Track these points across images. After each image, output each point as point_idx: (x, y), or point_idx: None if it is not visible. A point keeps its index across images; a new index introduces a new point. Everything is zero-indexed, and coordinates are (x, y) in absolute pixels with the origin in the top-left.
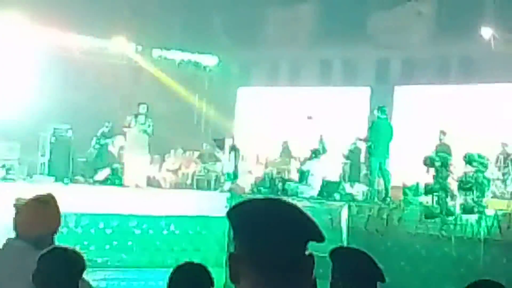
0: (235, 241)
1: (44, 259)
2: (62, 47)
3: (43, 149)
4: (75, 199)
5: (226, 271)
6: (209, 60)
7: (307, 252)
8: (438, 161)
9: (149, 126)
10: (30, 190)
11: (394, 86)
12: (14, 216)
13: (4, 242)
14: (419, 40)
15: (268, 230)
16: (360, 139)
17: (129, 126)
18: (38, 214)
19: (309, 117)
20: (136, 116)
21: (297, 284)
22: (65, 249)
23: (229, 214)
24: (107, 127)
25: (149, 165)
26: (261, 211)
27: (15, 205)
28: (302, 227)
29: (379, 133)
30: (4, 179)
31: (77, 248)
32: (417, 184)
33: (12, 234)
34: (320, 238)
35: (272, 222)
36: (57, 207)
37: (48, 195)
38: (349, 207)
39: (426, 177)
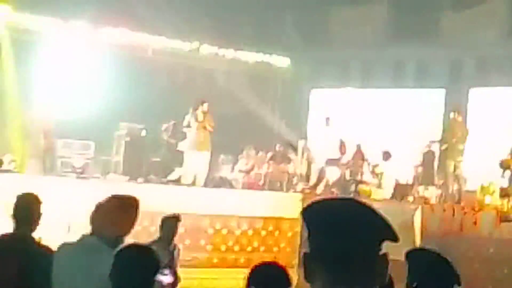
0: (309, 240)
1: (121, 256)
2: (135, 47)
3: (117, 148)
4: (148, 198)
5: (298, 272)
6: (281, 61)
7: (381, 252)
8: None
9: (208, 123)
10: (104, 188)
11: (469, 88)
12: (93, 212)
13: (79, 237)
14: (493, 41)
15: (342, 229)
16: (435, 141)
17: (188, 125)
18: (120, 216)
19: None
20: (194, 113)
21: (371, 284)
22: (141, 247)
23: (303, 213)
24: (174, 126)
25: (213, 164)
26: (335, 210)
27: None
28: (376, 227)
29: (454, 135)
30: (79, 177)
31: (153, 247)
32: (492, 187)
33: (85, 232)
34: (394, 238)
35: (346, 221)
36: (138, 210)
37: (133, 198)
38: (423, 209)
39: (502, 180)
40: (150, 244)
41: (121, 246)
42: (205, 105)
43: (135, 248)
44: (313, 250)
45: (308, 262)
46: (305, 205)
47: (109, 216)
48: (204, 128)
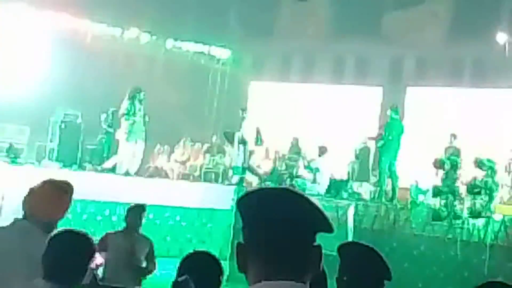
0: (244, 231)
1: (55, 241)
2: (74, 31)
3: (53, 134)
4: (82, 186)
5: (230, 264)
6: (222, 52)
7: (315, 243)
8: (448, 164)
9: (144, 113)
10: (38, 174)
11: (407, 87)
12: (25, 196)
13: (11, 221)
14: (433, 41)
15: (277, 219)
16: (370, 138)
17: (125, 114)
18: (54, 200)
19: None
20: (132, 102)
21: (305, 274)
22: (76, 233)
23: (238, 202)
24: (113, 114)
25: (149, 153)
26: (270, 200)
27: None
28: (311, 218)
29: (390, 133)
30: (13, 162)
31: (87, 233)
32: (426, 186)
33: (19, 215)
34: (329, 229)
35: (281, 211)
36: (71, 196)
37: (66, 183)
38: (356, 206)
39: (435, 179)
40: (117, 233)
41: (55, 231)
42: (142, 94)
43: (69, 233)
44: (247, 240)
45: (242, 253)
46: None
47: (42, 201)
48: (140, 117)
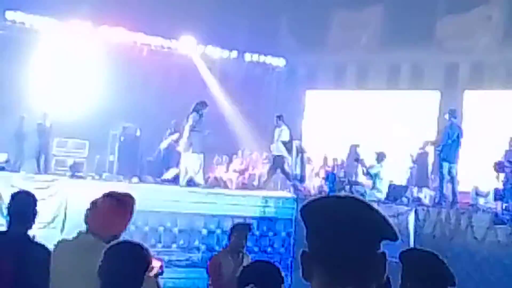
0: (308, 239)
1: (111, 252)
2: (130, 46)
3: (112, 148)
4: (142, 198)
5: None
6: (276, 62)
7: (379, 251)
8: (508, 167)
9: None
10: (99, 187)
11: (464, 90)
12: (87, 210)
13: (75, 235)
14: (487, 45)
15: (341, 227)
16: (429, 143)
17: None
18: (115, 214)
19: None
20: (199, 115)
21: (369, 282)
22: (131, 244)
23: (301, 211)
24: (172, 127)
25: (208, 164)
26: (334, 208)
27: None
28: (375, 225)
29: (449, 137)
30: (74, 176)
31: (143, 244)
32: (487, 189)
33: (80, 230)
34: (393, 237)
35: (345, 219)
36: (133, 208)
37: (127, 195)
38: (417, 211)
39: (496, 182)
40: (219, 253)
41: (111, 243)
42: (206, 108)
43: (124, 244)
44: (311, 248)
45: (306, 261)
46: (300, 205)
47: (104, 214)
48: (199, 130)
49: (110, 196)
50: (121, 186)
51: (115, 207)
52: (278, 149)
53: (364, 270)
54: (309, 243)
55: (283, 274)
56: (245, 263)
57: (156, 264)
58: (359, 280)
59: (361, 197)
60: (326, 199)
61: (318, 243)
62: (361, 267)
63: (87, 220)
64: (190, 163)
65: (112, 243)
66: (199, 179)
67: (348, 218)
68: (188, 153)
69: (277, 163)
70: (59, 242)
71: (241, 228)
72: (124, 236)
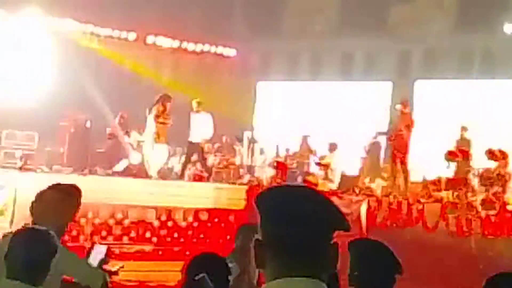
0: (261, 227)
1: (17, 239)
2: (81, 36)
3: (62, 139)
4: (93, 190)
5: None
6: (228, 52)
7: (332, 241)
8: (459, 156)
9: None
10: (49, 180)
11: (415, 80)
12: (32, 202)
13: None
14: (440, 33)
15: (294, 217)
16: (381, 133)
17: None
18: (60, 204)
19: None
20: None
21: (322, 272)
22: (38, 230)
23: (257, 199)
24: (121, 118)
25: (168, 156)
26: (288, 197)
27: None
28: (328, 215)
29: (400, 127)
30: (23, 168)
31: (49, 231)
32: (438, 179)
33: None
34: (346, 227)
35: (298, 209)
36: (79, 199)
37: (73, 186)
38: (369, 201)
39: (448, 172)
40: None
41: (19, 229)
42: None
43: (32, 231)
44: (265, 236)
45: (260, 249)
46: (251, 196)
47: (49, 206)
48: (163, 122)
49: (55, 187)
50: (71, 178)
51: (60, 198)
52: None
53: (316, 260)
54: (262, 232)
55: (230, 265)
56: (251, 267)
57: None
58: (311, 269)
59: (314, 188)
60: (280, 189)
61: (271, 232)
62: (314, 256)
63: (32, 212)
64: (157, 154)
65: (20, 229)
66: (156, 169)
67: (302, 208)
68: (153, 144)
69: (192, 150)
70: (4, 234)
71: (247, 230)
72: (74, 229)
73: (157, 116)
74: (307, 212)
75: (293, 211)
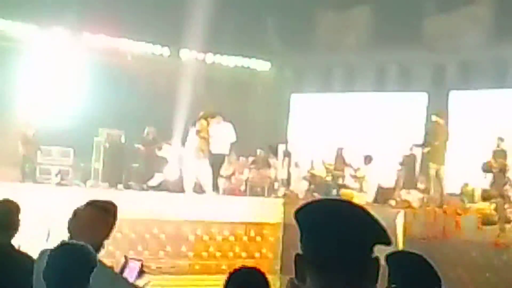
0: (302, 241)
1: (55, 255)
2: (115, 52)
3: (97, 155)
4: (128, 205)
5: (281, 278)
6: (262, 65)
7: (373, 255)
8: (496, 167)
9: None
10: (84, 195)
11: (450, 91)
12: (69, 219)
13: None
14: (475, 45)
15: (335, 231)
16: (417, 145)
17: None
18: (97, 221)
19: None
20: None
21: (363, 286)
22: (75, 245)
23: (296, 213)
24: (148, 133)
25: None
26: (329, 211)
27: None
28: (369, 230)
29: (436, 138)
30: (59, 184)
31: (87, 246)
32: (475, 190)
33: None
34: (387, 241)
35: (339, 223)
36: (116, 216)
37: (109, 202)
38: (405, 213)
39: (484, 183)
40: None
41: (56, 245)
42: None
43: (69, 246)
44: (305, 251)
45: (300, 264)
46: (287, 209)
47: (86, 222)
48: (203, 137)
49: (92, 204)
50: (106, 194)
51: (97, 215)
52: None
53: (357, 275)
54: (303, 246)
55: (269, 280)
56: None
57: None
58: (352, 284)
59: (354, 201)
60: (321, 202)
61: (312, 246)
62: (355, 271)
63: (69, 229)
64: (203, 169)
65: (57, 245)
66: (208, 184)
67: (343, 222)
68: (199, 159)
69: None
70: (42, 251)
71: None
72: (110, 244)
73: (199, 131)
74: (348, 227)
75: (334, 226)
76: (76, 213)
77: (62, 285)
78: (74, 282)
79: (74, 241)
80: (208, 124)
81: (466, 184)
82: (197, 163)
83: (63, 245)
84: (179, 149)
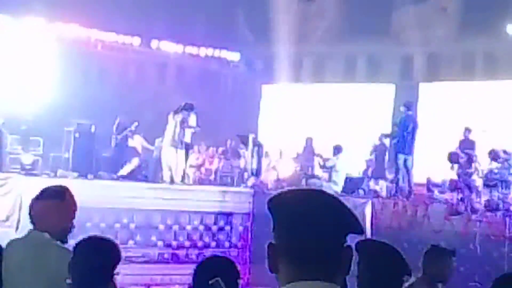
0: (275, 231)
1: (81, 247)
2: (84, 42)
3: (67, 145)
4: (99, 194)
5: (251, 268)
6: (232, 56)
7: (345, 244)
8: (463, 158)
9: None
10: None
11: (419, 83)
12: (28, 212)
13: (26, 233)
14: (443, 36)
15: (308, 220)
16: (385, 135)
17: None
18: (52, 208)
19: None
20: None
21: (336, 275)
22: (102, 238)
23: (269, 203)
24: (120, 122)
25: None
26: (302, 201)
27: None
28: (343, 219)
29: (404, 129)
30: (29, 174)
31: (112, 240)
32: (442, 180)
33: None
34: (360, 231)
35: (312, 212)
36: (72, 199)
37: (61, 187)
38: (373, 203)
39: (451, 173)
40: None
41: (82, 238)
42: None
43: (95, 239)
44: (278, 241)
45: (272, 253)
46: (256, 199)
47: (40, 213)
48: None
49: (41, 194)
50: (76, 183)
51: (47, 204)
52: None
53: (331, 263)
54: (276, 236)
55: (239, 268)
56: None
57: None
58: (325, 273)
59: (327, 191)
60: (294, 192)
61: (285, 236)
62: (328, 260)
63: (30, 217)
64: (179, 159)
65: (83, 238)
66: (179, 174)
67: (316, 211)
68: (175, 149)
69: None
70: (11, 241)
71: (440, 254)
72: (78, 233)
73: (182, 122)
74: (321, 216)
75: (307, 215)
76: (30, 205)
77: (86, 277)
78: (98, 274)
79: (99, 235)
80: (189, 115)
81: (433, 175)
82: (174, 153)
83: (89, 238)
84: (151, 139)
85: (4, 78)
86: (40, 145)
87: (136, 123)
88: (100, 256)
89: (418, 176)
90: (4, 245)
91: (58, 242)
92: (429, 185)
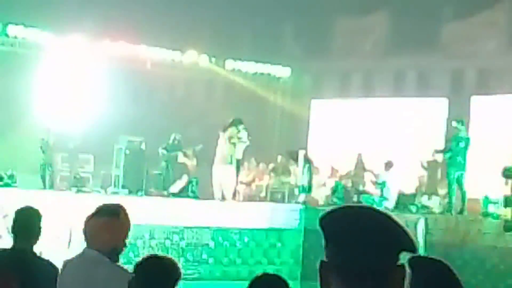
0: (326, 249)
1: (141, 267)
2: (134, 59)
3: (117, 162)
4: (149, 212)
5: (302, 284)
6: (282, 71)
7: (399, 263)
8: None
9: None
10: (104, 202)
11: (471, 97)
12: (83, 228)
13: (81, 250)
14: (493, 50)
15: (360, 238)
16: (438, 151)
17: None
18: (106, 226)
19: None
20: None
21: None
22: (161, 258)
23: (321, 221)
24: (175, 139)
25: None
26: (354, 218)
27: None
28: (395, 236)
29: (457, 144)
30: (79, 191)
31: (173, 259)
32: (496, 196)
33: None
34: (413, 248)
35: (365, 230)
36: (126, 218)
37: (117, 205)
38: (426, 219)
39: (505, 188)
40: None
41: (142, 258)
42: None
43: (155, 259)
44: (330, 258)
45: (325, 271)
46: (307, 215)
47: (94, 231)
48: (233, 143)
49: (97, 212)
50: (126, 200)
51: (103, 222)
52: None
53: (382, 282)
54: (327, 253)
55: (290, 285)
56: None
57: None
58: None
59: (380, 208)
60: (346, 209)
61: (336, 254)
62: (380, 278)
63: (84, 235)
64: (230, 176)
65: (143, 257)
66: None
67: (368, 229)
68: (226, 166)
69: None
70: (65, 262)
71: None
72: (130, 251)
73: (230, 138)
74: (373, 233)
75: (359, 232)
76: (85, 223)
77: None
78: None
79: (160, 254)
80: (238, 131)
81: (487, 190)
82: (224, 170)
83: (150, 257)
84: (203, 156)
85: (55, 96)
86: (90, 163)
87: (201, 145)
88: (161, 274)
89: (471, 191)
90: (56, 262)
91: (109, 260)
92: (483, 201)
